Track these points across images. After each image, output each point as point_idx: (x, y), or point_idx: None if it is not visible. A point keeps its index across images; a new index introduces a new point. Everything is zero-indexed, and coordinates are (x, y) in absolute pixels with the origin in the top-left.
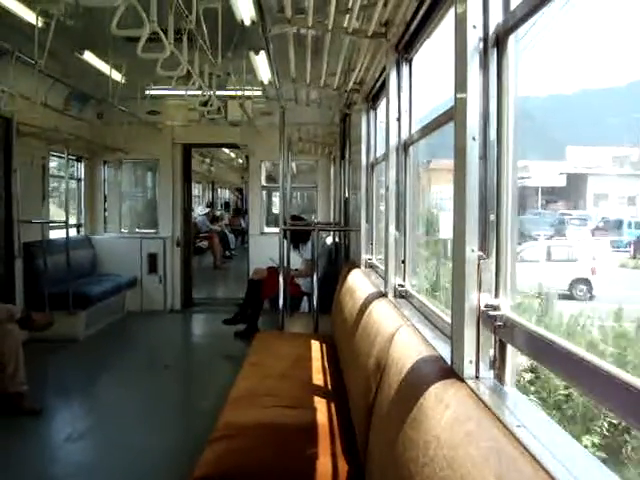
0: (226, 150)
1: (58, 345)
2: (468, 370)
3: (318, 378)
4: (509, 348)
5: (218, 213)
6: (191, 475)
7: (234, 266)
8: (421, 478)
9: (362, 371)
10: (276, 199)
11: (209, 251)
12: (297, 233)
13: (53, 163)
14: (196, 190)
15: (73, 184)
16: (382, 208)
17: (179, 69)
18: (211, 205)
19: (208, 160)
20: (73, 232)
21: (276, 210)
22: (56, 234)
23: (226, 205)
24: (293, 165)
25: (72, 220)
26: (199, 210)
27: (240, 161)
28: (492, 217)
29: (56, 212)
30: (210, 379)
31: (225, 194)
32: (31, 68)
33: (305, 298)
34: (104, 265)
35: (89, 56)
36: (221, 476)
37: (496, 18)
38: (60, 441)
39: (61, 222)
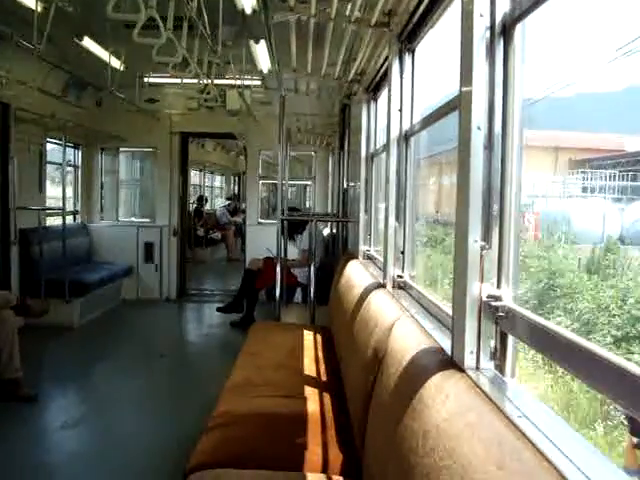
0: None
1: (53, 332)
2: (469, 361)
3: (314, 369)
4: (510, 339)
5: (245, 205)
6: (186, 463)
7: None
8: (421, 468)
9: (360, 362)
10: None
11: (223, 243)
12: (293, 224)
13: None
14: (217, 182)
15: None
16: (381, 199)
17: (176, 56)
18: (236, 197)
19: (234, 152)
20: (69, 219)
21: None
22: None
23: None
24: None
25: (68, 207)
26: (220, 203)
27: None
28: (495, 208)
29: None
30: (206, 368)
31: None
32: (29, 54)
33: (299, 289)
34: (100, 253)
35: (88, 42)
36: (216, 465)
37: (503, 7)
38: (55, 428)
39: (58, 209)
